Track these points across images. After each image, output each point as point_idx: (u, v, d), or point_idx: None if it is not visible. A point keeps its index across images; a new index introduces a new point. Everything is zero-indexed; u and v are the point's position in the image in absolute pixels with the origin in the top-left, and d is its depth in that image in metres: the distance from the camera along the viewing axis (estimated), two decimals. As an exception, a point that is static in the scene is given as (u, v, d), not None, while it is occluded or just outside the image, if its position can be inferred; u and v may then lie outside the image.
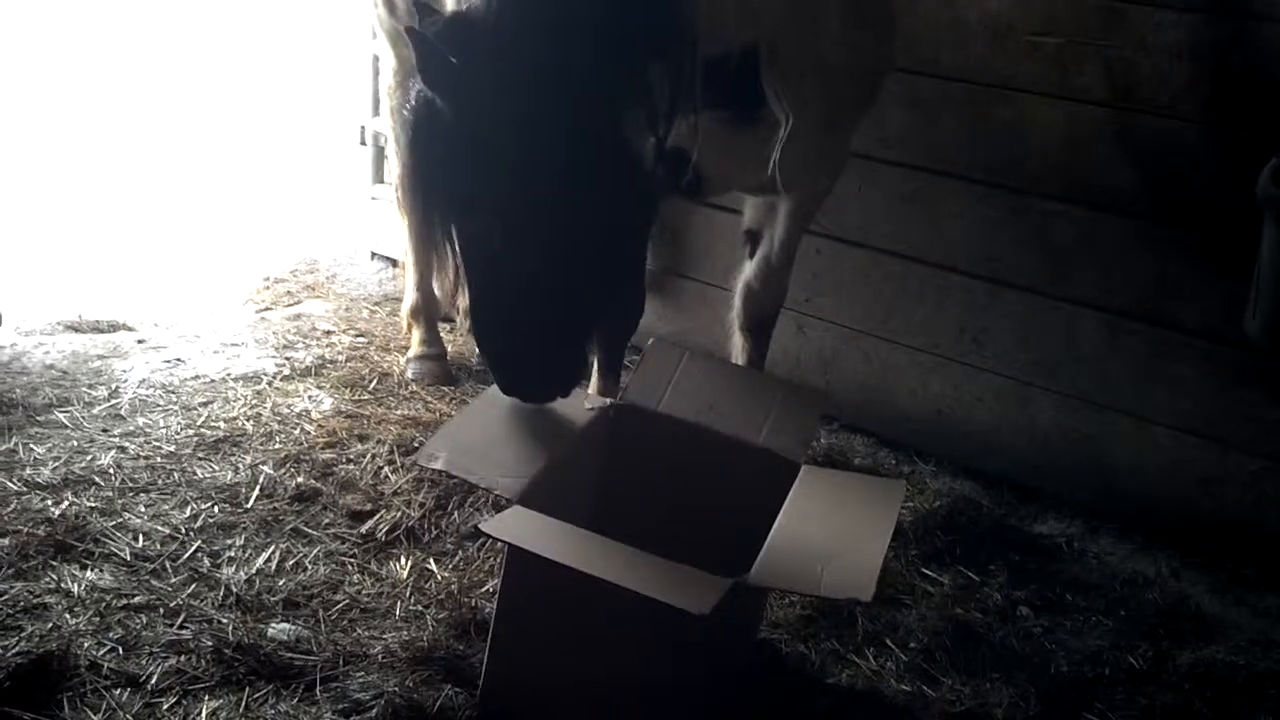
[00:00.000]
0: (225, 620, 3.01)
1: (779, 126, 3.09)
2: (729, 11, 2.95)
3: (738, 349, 3.82)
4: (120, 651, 2.87)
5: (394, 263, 5.38)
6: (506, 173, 2.63)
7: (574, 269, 2.76)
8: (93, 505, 3.43)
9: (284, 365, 4.42)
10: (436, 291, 4.70)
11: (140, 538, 3.32)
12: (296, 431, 3.95)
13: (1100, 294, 3.75)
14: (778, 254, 3.65)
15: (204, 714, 2.71)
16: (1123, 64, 3.55)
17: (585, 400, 3.25)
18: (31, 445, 3.71)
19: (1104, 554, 3.73)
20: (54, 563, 3.18)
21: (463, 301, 4.81)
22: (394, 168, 4.62)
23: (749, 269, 3.73)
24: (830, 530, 2.75)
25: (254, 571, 3.24)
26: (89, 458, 3.67)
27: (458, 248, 2.88)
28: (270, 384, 4.27)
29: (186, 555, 3.27)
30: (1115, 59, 3.56)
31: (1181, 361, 3.65)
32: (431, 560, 3.38)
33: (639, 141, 2.80)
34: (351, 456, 3.84)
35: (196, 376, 4.28)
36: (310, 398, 4.20)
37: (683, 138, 3.06)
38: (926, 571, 3.52)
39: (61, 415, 3.91)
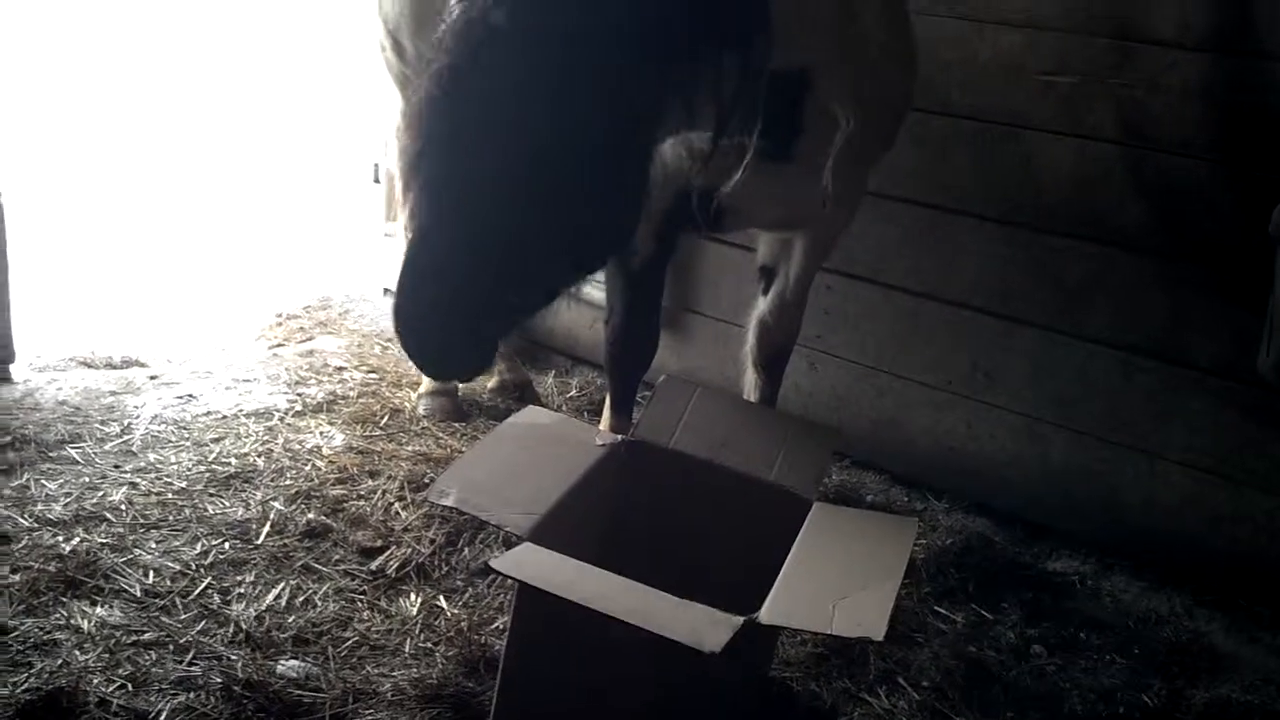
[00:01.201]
0: (235, 657, 3.01)
1: (806, 160, 3.07)
2: (797, 22, 2.80)
3: (750, 385, 3.81)
4: (130, 688, 2.87)
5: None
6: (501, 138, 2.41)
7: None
8: (104, 541, 3.44)
9: (296, 401, 4.43)
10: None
11: (151, 574, 3.32)
12: (308, 468, 3.96)
13: (1113, 331, 3.75)
14: (793, 289, 3.64)
15: (213, 751, 2.70)
16: (1134, 103, 3.56)
17: (597, 436, 3.25)
18: (43, 481, 3.72)
19: (1117, 592, 3.71)
20: (64, 599, 3.18)
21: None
22: (402, 206, 4.63)
23: (763, 304, 3.72)
24: (842, 568, 2.73)
25: (264, 608, 3.24)
26: (100, 494, 3.68)
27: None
28: (282, 420, 4.28)
29: (197, 592, 3.27)
30: (1126, 98, 3.57)
31: (1194, 398, 3.64)
32: (441, 597, 3.37)
33: (657, 134, 2.68)
34: (362, 493, 3.84)
35: (209, 412, 4.29)
36: (322, 434, 4.20)
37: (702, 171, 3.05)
38: (939, 609, 3.50)
39: (74, 451, 3.92)
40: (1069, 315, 3.82)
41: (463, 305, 2.50)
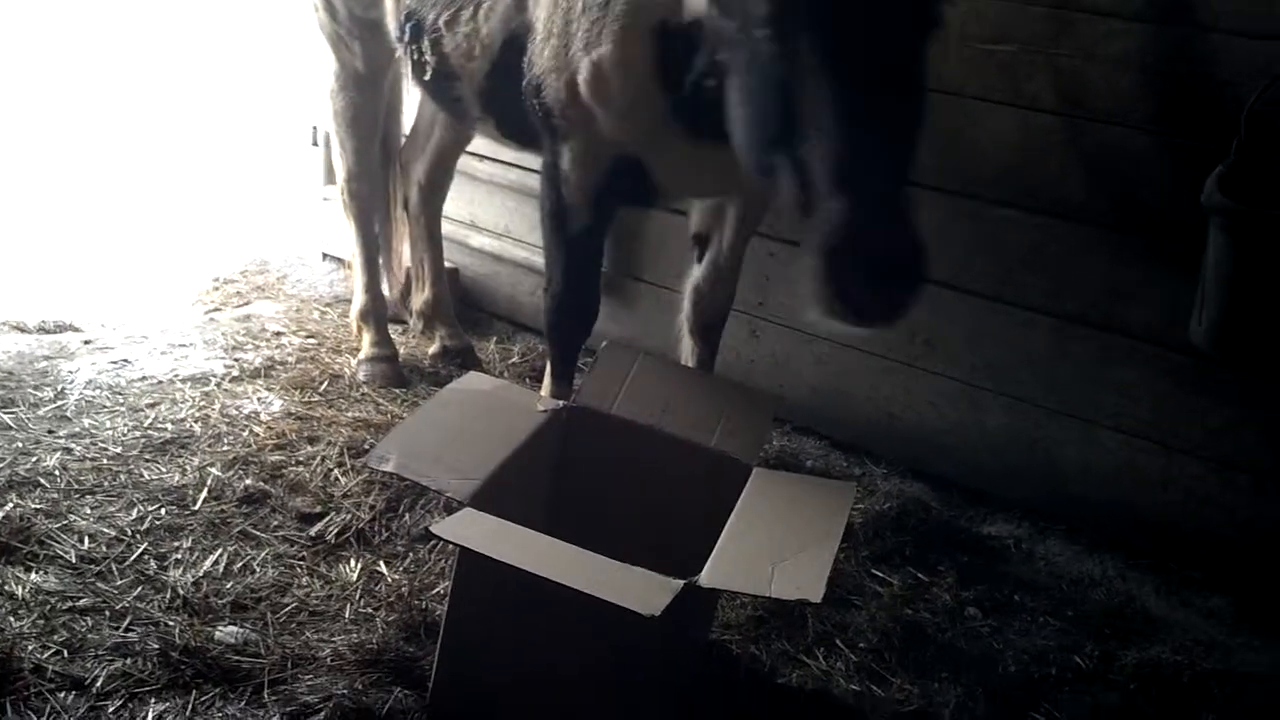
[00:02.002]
0: (172, 623, 2.98)
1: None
2: None
3: (688, 351, 3.82)
4: (65, 654, 2.84)
5: (345, 264, 5.36)
6: None
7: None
8: (38, 507, 3.39)
9: (233, 366, 4.38)
10: (386, 293, 4.68)
11: (86, 540, 3.28)
12: (245, 433, 3.92)
13: (1049, 299, 3.79)
14: (727, 257, 3.66)
15: (150, 717, 2.68)
16: (1072, 73, 3.59)
17: (538, 402, 3.25)
18: (-25, 446, 3.66)
19: (1051, 555, 3.77)
20: (-3, 565, 3.14)
21: (416, 302, 4.82)
22: (339, 170, 4.59)
23: (698, 272, 3.73)
24: (781, 532, 2.76)
25: (201, 574, 3.21)
26: (34, 459, 3.63)
27: None
28: (219, 385, 4.23)
29: (133, 558, 3.24)
30: (1065, 68, 3.60)
31: (1129, 366, 3.69)
32: (382, 563, 3.36)
33: None
34: (301, 459, 3.81)
35: (144, 378, 4.23)
36: (259, 399, 4.17)
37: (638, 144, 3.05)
38: (876, 572, 3.54)
39: (6, 417, 3.86)
40: (1008, 284, 3.86)
41: None
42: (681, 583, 2.46)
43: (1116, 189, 3.63)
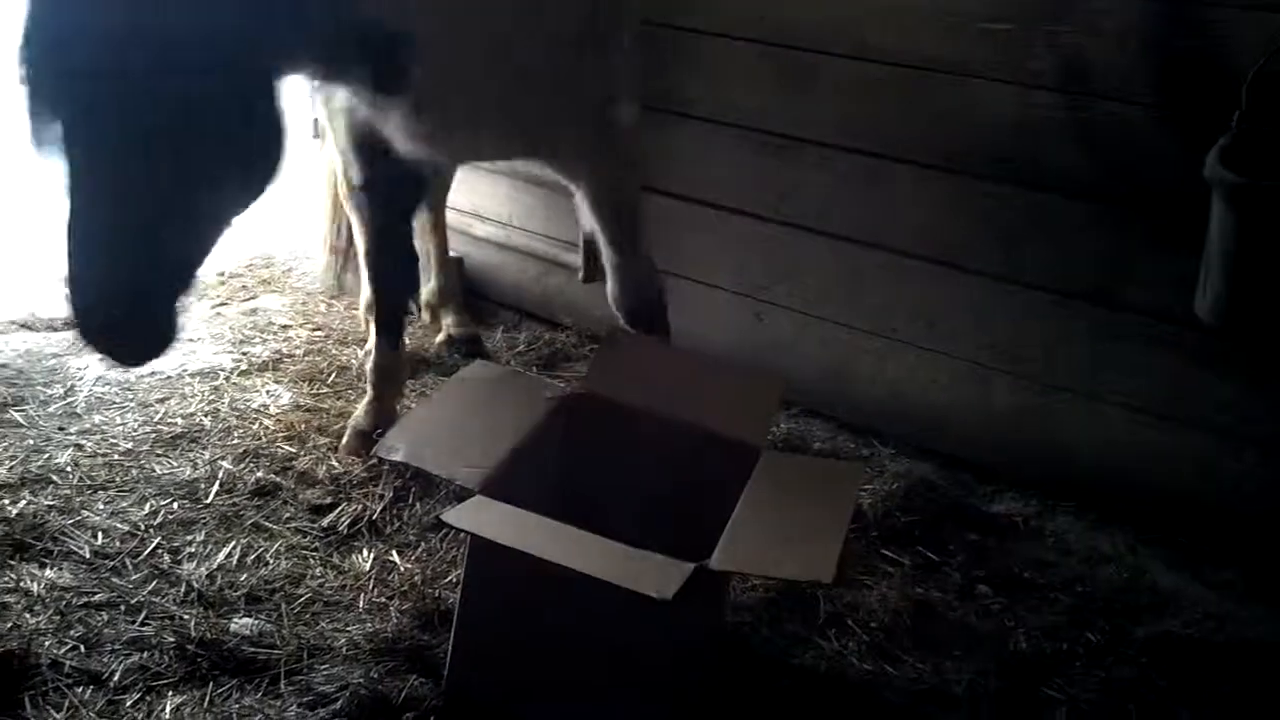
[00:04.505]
0: (187, 616, 3.01)
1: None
2: None
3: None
4: (82, 649, 2.87)
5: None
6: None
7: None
8: (51, 504, 3.41)
9: (241, 360, 4.40)
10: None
11: (99, 535, 3.30)
12: (255, 426, 3.94)
13: (1052, 276, 3.79)
14: (611, 254, 3.73)
15: (168, 710, 2.70)
16: (1073, 48, 3.58)
17: (545, 389, 3.26)
18: (-13, 444, 3.68)
19: (1061, 532, 3.77)
20: (12, 562, 3.17)
21: (423, 292, 4.82)
22: (338, 163, 4.59)
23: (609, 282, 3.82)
24: (791, 514, 2.77)
25: (215, 567, 3.23)
26: (46, 456, 3.65)
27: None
28: (228, 379, 4.25)
29: (147, 552, 3.26)
30: (1066, 44, 3.59)
31: (1135, 341, 3.69)
32: (394, 552, 3.38)
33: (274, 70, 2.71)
34: (311, 450, 3.83)
35: (153, 373, 4.25)
36: (268, 392, 4.18)
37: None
38: (886, 552, 3.55)
39: (17, 414, 3.88)
40: (1009, 261, 3.86)
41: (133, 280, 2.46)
42: (693, 566, 2.48)
43: (1119, 164, 3.62)
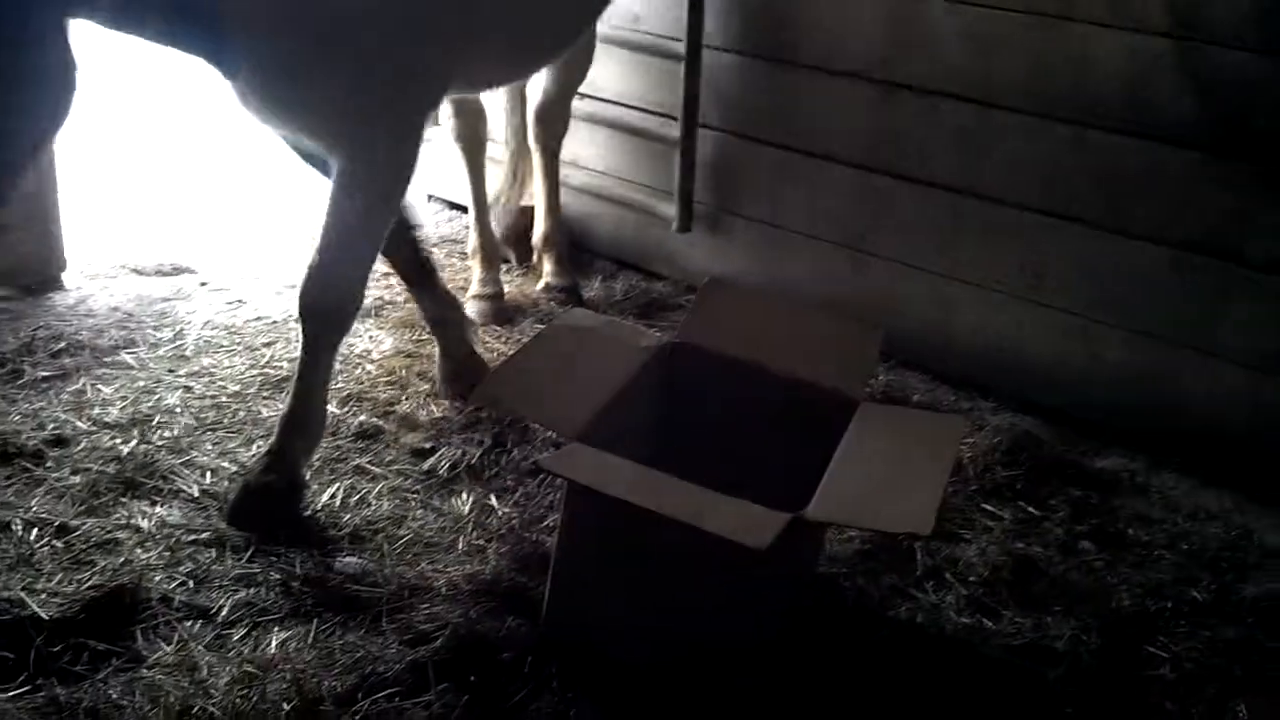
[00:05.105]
0: (292, 554, 3.07)
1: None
2: None
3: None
4: (191, 585, 2.94)
5: (450, 205, 5.40)
6: None
7: None
8: (161, 444, 3.50)
9: (344, 306, 4.45)
10: (496, 232, 4.71)
11: (208, 475, 3.38)
12: (358, 371, 4.01)
13: (1163, 228, 3.70)
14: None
15: (273, 644, 2.76)
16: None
17: (641, 338, 3.27)
18: (99, 386, 3.78)
19: (1166, 489, 3.70)
20: (124, 499, 3.25)
21: (534, 235, 4.83)
22: (447, 108, 4.61)
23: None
24: (889, 466, 2.75)
25: (319, 507, 3.30)
26: (156, 397, 3.74)
27: None
28: (331, 325, 4.30)
29: (253, 492, 3.32)
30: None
31: (1247, 295, 3.59)
32: (492, 496, 3.42)
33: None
34: (412, 395, 3.88)
35: (259, 317, 4.34)
36: (371, 338, 4.24)
37: None
38: (986, 507, 3.51)
39: (128, 356, 3.98)
40: (1119, 213, 3.77)
41: None
42: (788, 516, 2.47)
43: (1232, 114, 3.51)
